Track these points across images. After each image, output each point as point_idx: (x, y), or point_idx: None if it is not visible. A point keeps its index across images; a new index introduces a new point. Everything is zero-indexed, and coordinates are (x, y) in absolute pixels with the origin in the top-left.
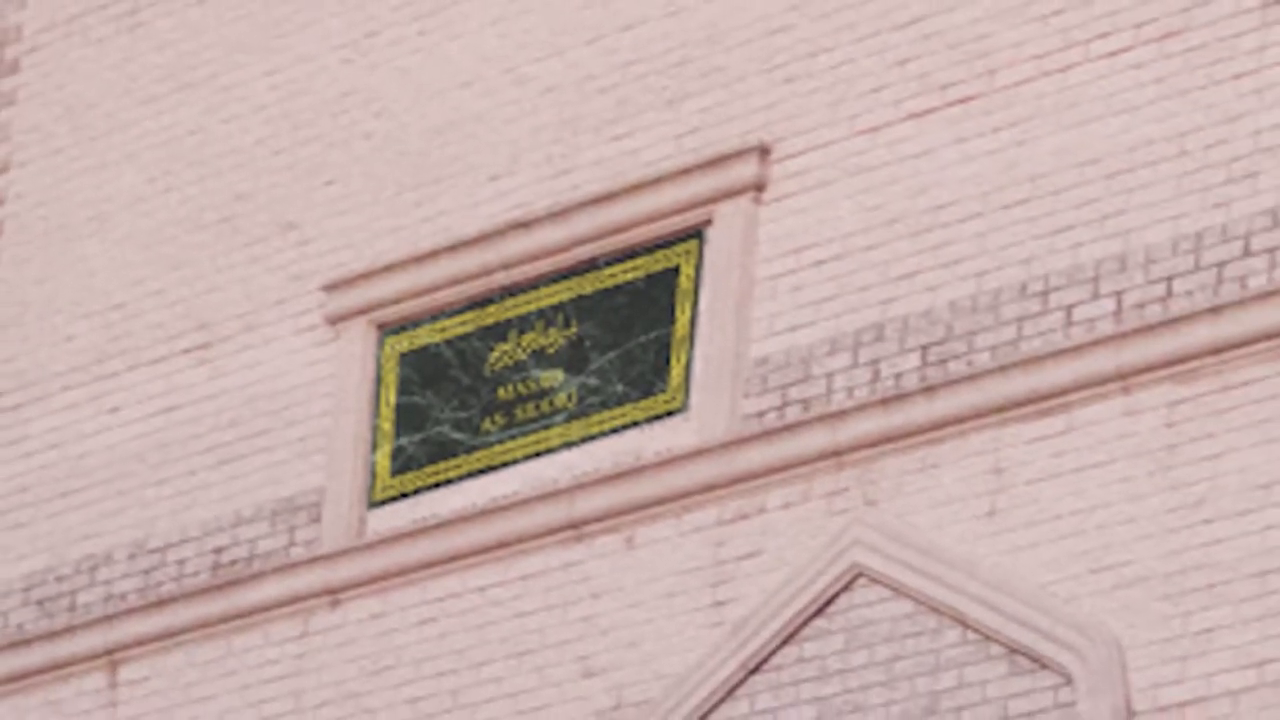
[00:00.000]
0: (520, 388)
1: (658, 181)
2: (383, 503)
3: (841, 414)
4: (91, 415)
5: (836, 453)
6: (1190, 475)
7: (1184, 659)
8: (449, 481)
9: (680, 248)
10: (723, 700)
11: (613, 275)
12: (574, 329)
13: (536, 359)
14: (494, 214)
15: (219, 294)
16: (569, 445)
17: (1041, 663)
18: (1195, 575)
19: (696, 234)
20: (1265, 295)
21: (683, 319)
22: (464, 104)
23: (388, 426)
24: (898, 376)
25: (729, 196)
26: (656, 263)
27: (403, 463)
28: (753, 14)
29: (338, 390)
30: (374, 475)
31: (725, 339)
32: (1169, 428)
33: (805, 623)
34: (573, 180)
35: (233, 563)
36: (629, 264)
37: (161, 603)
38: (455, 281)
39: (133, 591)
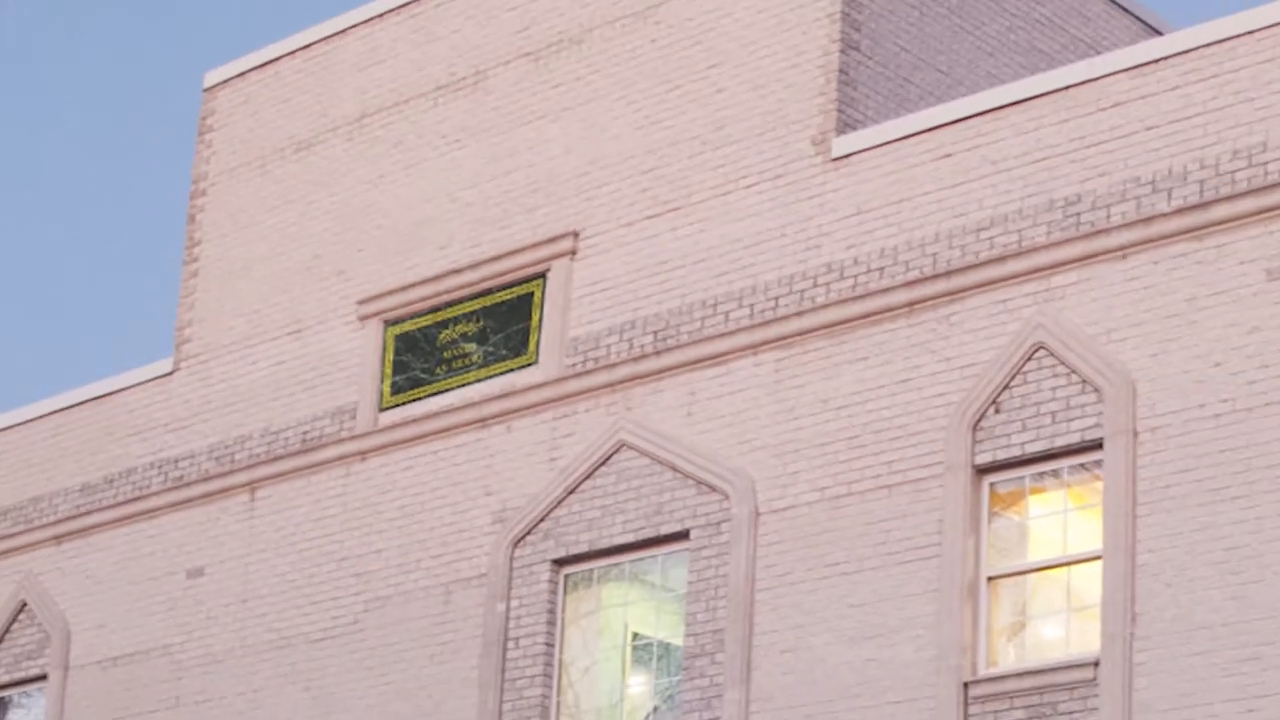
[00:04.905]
0: (455, 351)
1: (523, 249)
2: (387, 409)
3: (614, 365)
4: (242, 366)
5: (612, 385)
6: (790, 397)
7: (784, 486)
8: (419, 399)
9: (533, 283)
10: (555, 507)
11: (500, 296)
12: (481, 323)
13: (463, 338)
14: (442, 266)
15: (304, 306)
16: (479, 381)
17: (713, 488)
18: (790, 445)
19: (542, 276)
20: (824, 306)
21: (535, 318)
22: (426, 211)
23: (389, 370)
24: (642, 347)
25: (558, 257)
26: (523, 290)
27: (396, 389)
28: (570, 168)
29: (363, 354)
30: (382, 395)
31: (556, 328)
32: (777, 373)
33: (596, 468)
34: (481, 249)
35: (312, 438)
36: (508, 290)
37: (277, 458)
38: (424, 299)
39: (262, 450)
